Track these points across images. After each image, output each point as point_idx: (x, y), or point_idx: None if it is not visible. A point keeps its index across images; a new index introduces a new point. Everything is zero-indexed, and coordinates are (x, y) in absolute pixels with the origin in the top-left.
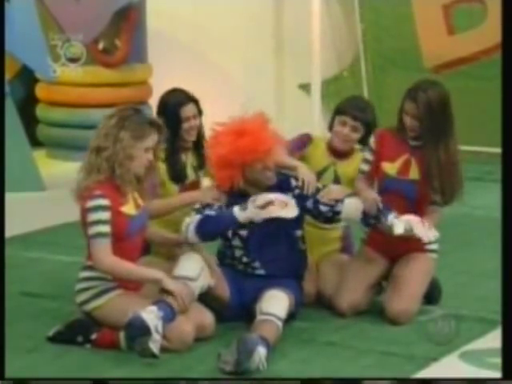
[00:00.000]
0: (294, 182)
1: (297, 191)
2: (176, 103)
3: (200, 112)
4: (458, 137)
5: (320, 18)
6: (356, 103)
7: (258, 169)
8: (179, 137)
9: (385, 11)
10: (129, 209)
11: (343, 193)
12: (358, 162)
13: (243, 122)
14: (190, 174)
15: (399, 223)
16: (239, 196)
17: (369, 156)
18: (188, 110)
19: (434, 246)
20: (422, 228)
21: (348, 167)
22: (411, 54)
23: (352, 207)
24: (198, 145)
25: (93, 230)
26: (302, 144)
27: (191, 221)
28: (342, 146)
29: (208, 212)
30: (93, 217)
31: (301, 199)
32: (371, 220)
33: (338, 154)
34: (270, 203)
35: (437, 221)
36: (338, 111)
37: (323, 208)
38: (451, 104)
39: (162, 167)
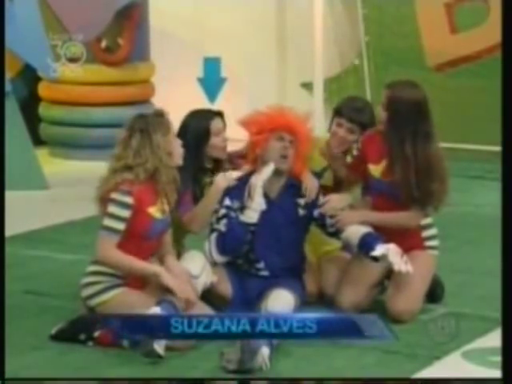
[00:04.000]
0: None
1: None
2: (208, 117)
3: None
4: (437, 144)
5: (323, 16)
6: (353, 104)
7: (276, 147)
8: (205, 156)
9: (387, 10)
10: (155, 211)
11: (343, 201)
12: None
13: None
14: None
15: (379, 248)
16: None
17: (356, 152)
18: (218, 122)
19: (434, 243)
20: (399, 259)
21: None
22: (414, 53)
23: (353, 232)
24: (219, 163)
25: (105, 221)
26: None
27: (210, 243)
28: (338, 150)
29: (220, 227)
30: (110, 209)
31: (309, 207)
32: (364, 249)
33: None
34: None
35: (413, 223)
36: (336, 112)
37: (328, 221)
38: (427, 109)
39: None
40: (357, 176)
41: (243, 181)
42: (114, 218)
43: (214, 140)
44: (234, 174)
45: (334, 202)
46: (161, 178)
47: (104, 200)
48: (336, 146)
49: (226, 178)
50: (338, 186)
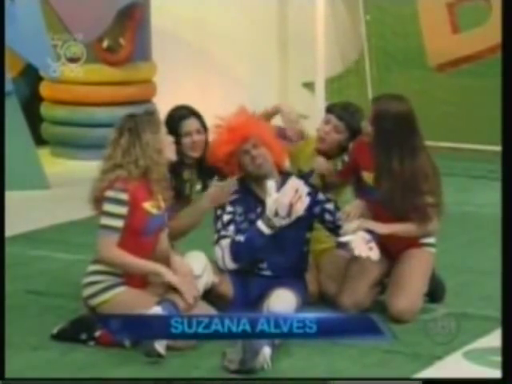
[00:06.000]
0: (306, 188)
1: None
2: (177, 117)
3: (205, 128)
4: (426, 157)
5: (324, 16)
6: (346, 106)
7: (248, 161)
8: (181, 152)
9: (389, 9)
10: (151, 207)
11: (358, 209)
12: None
13: (227, 121)
14: (192, 192)
15: (348, 235)
16: (248, 193)
17: (346, 158)
18: (189, 124)
19: (430, 240)
20: (361, 244)
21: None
22: (416, 53)
23: (349, 227)
24: (202, 161)
25: (103, 221)
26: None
27: (223, 250)
28: (320, 145)
29: (230, 234)
30: (107, 207)
31: (311, 204)
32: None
33: (326, 156)
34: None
35: (404, 231)
36: (327, 110)
37: (328, 217)
38: (414, 122)
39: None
40: (346, 181)
41: (242, 186)
42: (112, 215)
43: (184, 140)
44: (228, 182)
45: (353, 211)
46: (152, 176)
47: (98, 200)
48: (318, 142)
49: (211, 200)
50: (326, 188)
